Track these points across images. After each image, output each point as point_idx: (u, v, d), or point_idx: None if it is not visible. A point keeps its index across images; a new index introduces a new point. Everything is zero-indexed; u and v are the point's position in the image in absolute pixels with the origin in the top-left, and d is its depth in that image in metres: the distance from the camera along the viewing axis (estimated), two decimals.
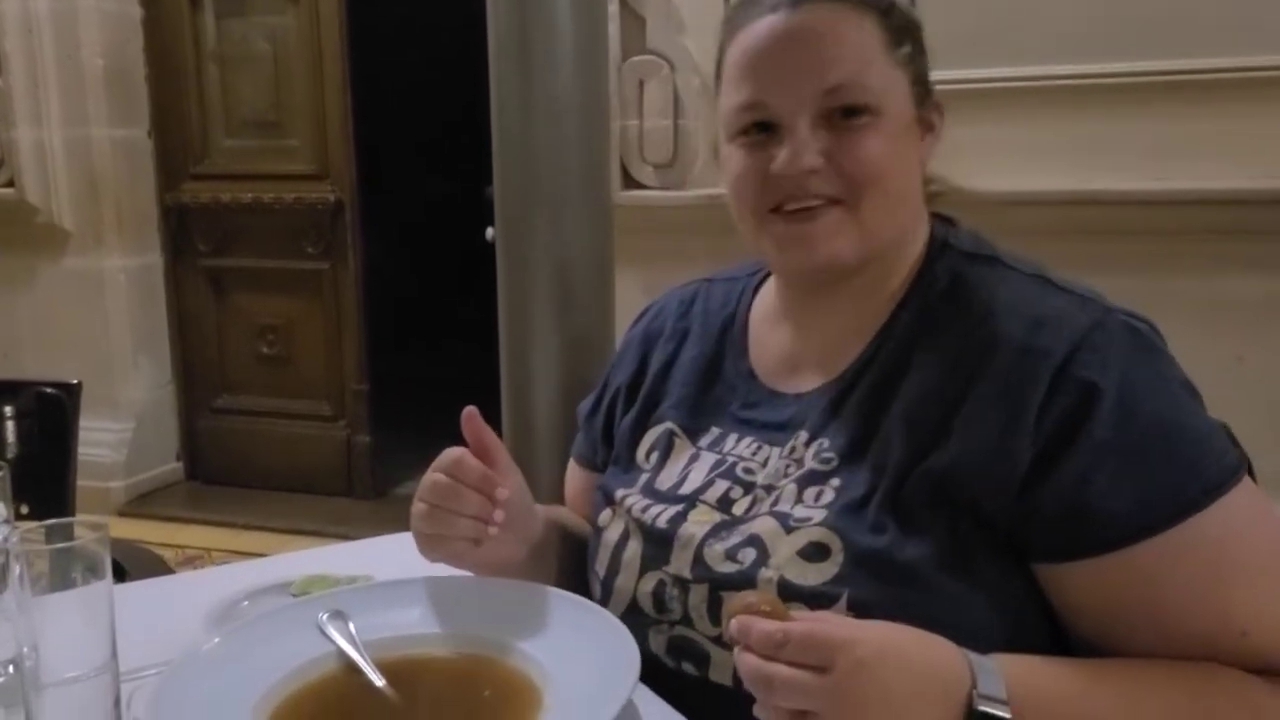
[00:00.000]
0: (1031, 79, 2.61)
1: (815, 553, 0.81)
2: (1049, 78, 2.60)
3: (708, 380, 1.00)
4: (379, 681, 0.82)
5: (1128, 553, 0.76)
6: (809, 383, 0.93)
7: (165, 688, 0.77)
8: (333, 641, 0.85)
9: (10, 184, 3.73)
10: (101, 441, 3.75)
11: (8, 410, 1.37)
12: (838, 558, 0.80)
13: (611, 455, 1.06)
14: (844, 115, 0.86)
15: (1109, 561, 0.77)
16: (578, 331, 1.58)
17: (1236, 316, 2.54)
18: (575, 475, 1.15)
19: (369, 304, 3.92)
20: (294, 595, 1.03)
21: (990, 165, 2.50)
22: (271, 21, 3.78)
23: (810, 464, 0.87)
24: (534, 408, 1.60)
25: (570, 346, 1.57)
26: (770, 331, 1.00)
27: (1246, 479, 0.79)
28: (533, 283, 1.61)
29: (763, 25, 0.88)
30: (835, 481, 0.85)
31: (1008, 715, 0.68)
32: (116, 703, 0.79)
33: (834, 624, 0.70)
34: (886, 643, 0.69)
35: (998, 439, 0.79)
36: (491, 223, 3.40)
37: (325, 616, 0.87)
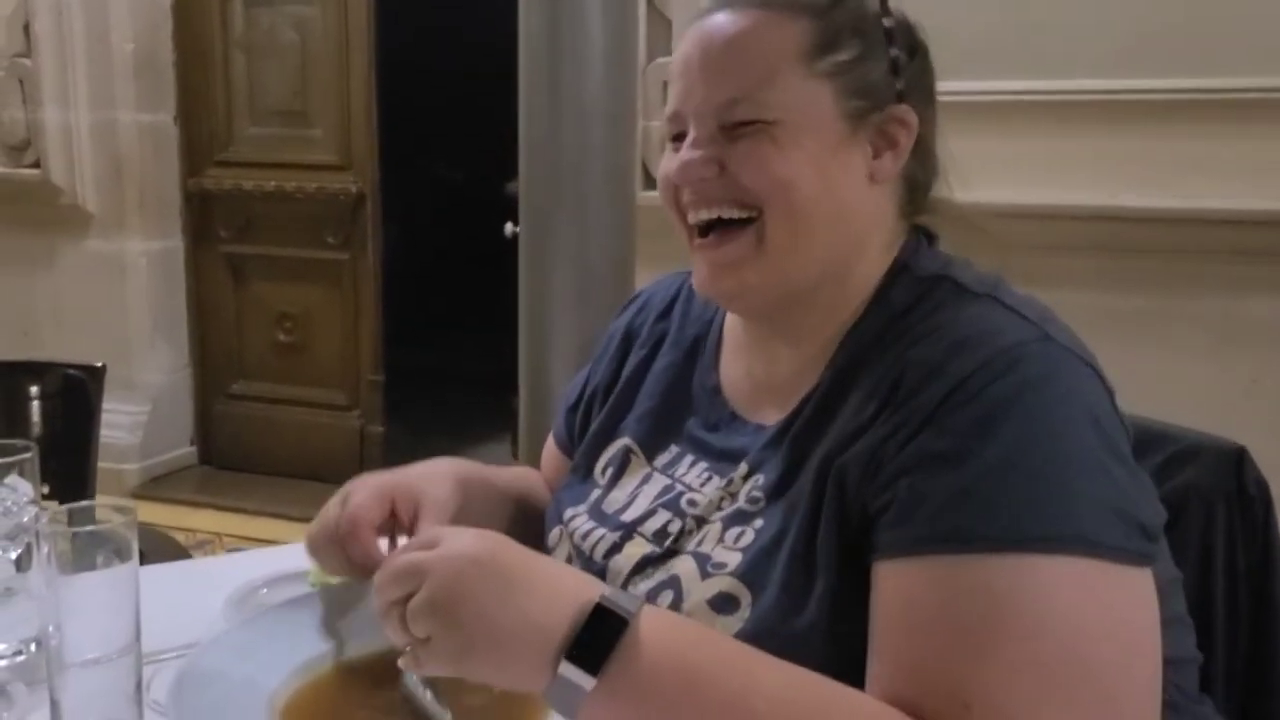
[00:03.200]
0: (1058, 93, 2.60)
1: (724, 604, 0.79)
2: (1076, 92, 2.59)
3: (674, 393, 0.99)
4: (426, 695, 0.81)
5: (903, 564, 0.71)
6: (767, 415, 0.89)
7: (185, 674, 0.78)
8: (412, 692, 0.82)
9: (36, 164, 3.76)
10: (117, 424, 3.78)
11: (33, 391, 1.38)
12: (744, 613, 0.78)
13: (574, 460, 1.05)
14: (741, 126, 0.82)
15: (888, 569, 0.72)
16: (596, 330, 1.59)
17: (1252, 339, 2.53)
18: (552, 455, 1.15)
19: (387, 295, 3.94)
20: (311, 584, 1.04)
21: (1013, 179, 2.49)
22: (299, 11, 3.79)
23: (740, 502, 0.85)
24: (551, 404, 1.61)
25: (588, 345, 1.58)
26: (739, 351, 0.96)
27: (1107, 570, 0.68)
28: (553, 280, 1.62)
29: (697, 27, 0.86)
30: (758, 523, 0.83)
31: (586, 685, 0.65)
32: (139, 685, 0.80)
33: (429, 541, 0.71)
34: (480, 552, 0.69)
35: (879, 447, 0.75)
36: (511, 218, 3.42)
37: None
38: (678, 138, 0.87)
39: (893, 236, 0.87)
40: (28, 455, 0.94)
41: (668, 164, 0.87)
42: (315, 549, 0.91)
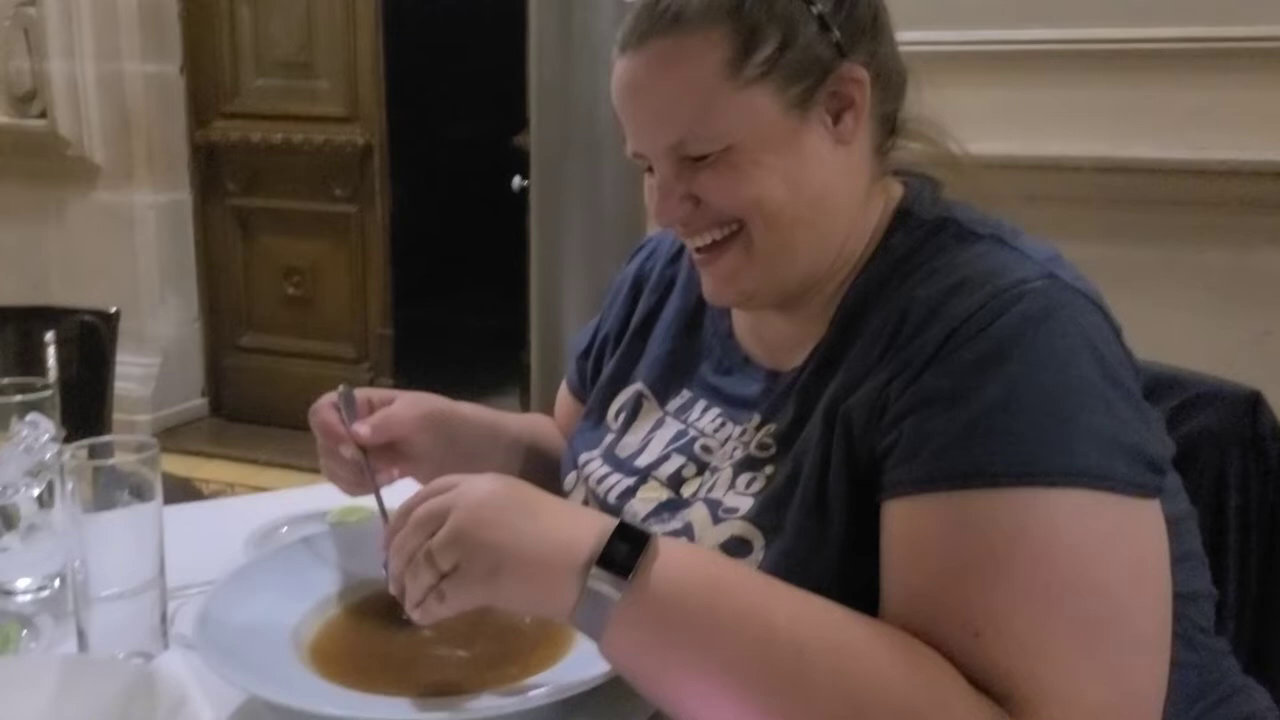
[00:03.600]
0: (1064, 42, 2.57)
1: (737, 547, 0.80)
2: (1082, 41, 2.56)
3: (686, 337, 0.99)
4: None
5: (911, 502, 0.71)
6: (779, 360, 0.90)
7: (210, 607, 0.79)
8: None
9: (43, 115, 3.75)
10: (129, 375, 3.79)
11: (48, 337, 1.39)
12: (757, 556, 0.79)
13: (587, 404, 1.06)
14: (695, 159, 0.81)
15: (895, 507, 0.72)
16: (608, 280, 1.59)
17: (1263, 291, 2.51)
18: (565, 401, 1.15)
19: (395, 249, 3.93)
20: (330, 523, 1.05)
21: (1019, 130, 2.47)
22: None
23: (751, 449, 0.86)
24: (563, 354, 1.61)
25: (600, 294, 1.58)
26: None
27: (1113, 502, 0.68)
28: (565, 230, 1.62)
29: (617, 70, 0.84)
30: (769, 469, 0.83)
31: (616, 593, 0.66)
32: (163, 619, 0.82)
33: (443, 485, 0.73)
34: (499, 485, 0.72)
35: (883, 389, 0.75)
36: (519, 171, 3.41)
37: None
38: (651, 166, 0.86)
39: (877, 175, 0.86)
40: (48, 393, 0.95)
41: (650, 198, 0.86)
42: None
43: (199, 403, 4.14)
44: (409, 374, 3.99)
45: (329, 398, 0.98)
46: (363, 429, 0.94)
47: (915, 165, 0.90)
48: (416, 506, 0.73)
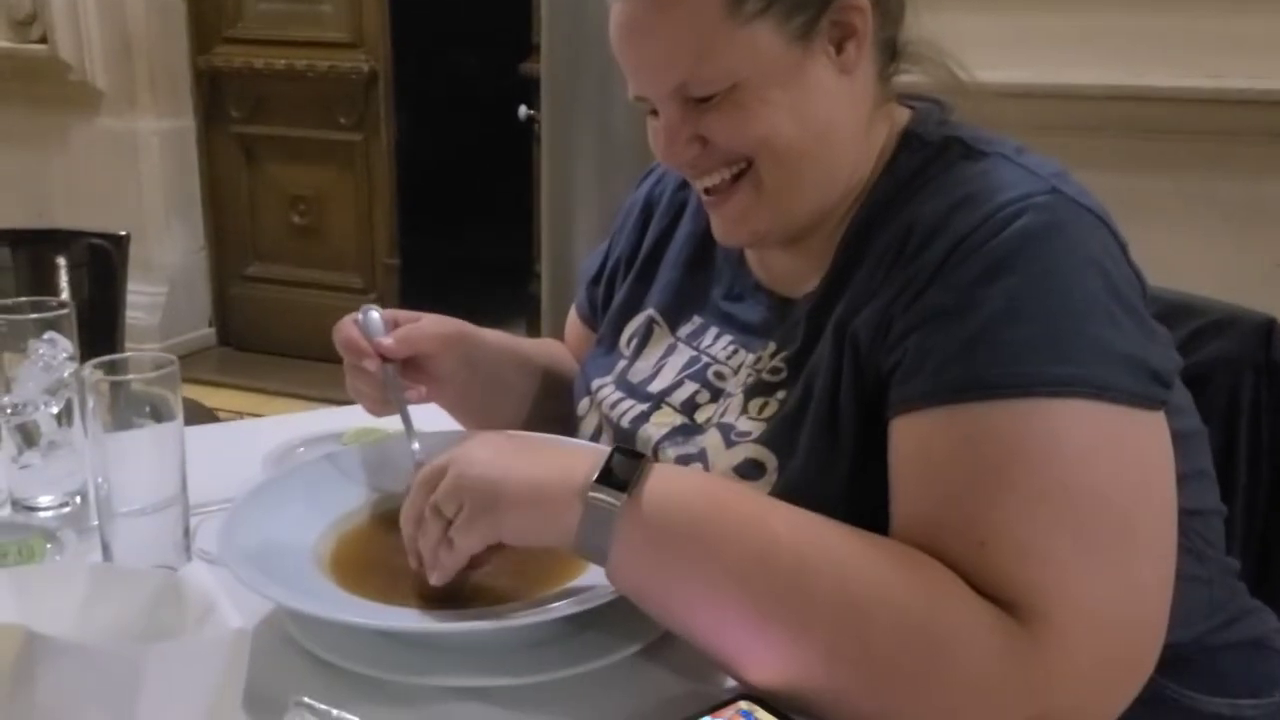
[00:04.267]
0: None
1: (750, 470, 0.81)
2: None
3: (697, 263, 0.99)
4: None
5: (916, 418, 0.71)
6: (790, 287, 0.90)
7: (233, 519, 0.80)
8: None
9: (43, 40, 3.70)
10: (136, 304, 3.78)
11: (61, 261, 1.39)
12: (770, 478, 0.80)
13: (599, 331, 1.06)
14: (700, 100, 0.80)
15: (900, 424, 0.73)
16: (619, 206, 1.58)
17: (1278, 222, 2.50)
18: (575, 327, 1.16)
19: (400, 178, 3.90)
20: (344, 444, 1.06)
21: (1034, 58, 2.44)
22: None
23: (764, 374, 0.86)
24: (574, 281, 1.61)
25: (611, 221, 1.58)
26: None
27: (1117, 413, 0.68)
28: (576, 154, 1.61)
29: (614, 13, 0.82)
30: (780, 393, 0.84)
31: (617, 504, 0.67)
32: (186, 534, 0.83)
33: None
34: (495, 435, 0.77)
35: (887, 308, 0.75)
36: (525, 99, 3.36)
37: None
38: (653, 109, 0.85)
39: (881, 102, 0.86)
40: (65, 312, 0.95)
41: (655, 140, 0.85)
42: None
43: (206, 332, 4.15)
44: (415, 305, 3.92)
45: (351, 315, 0.98)
46: (387, 341, 0.95)
47: (924, 91, 0.89)
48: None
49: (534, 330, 2.74)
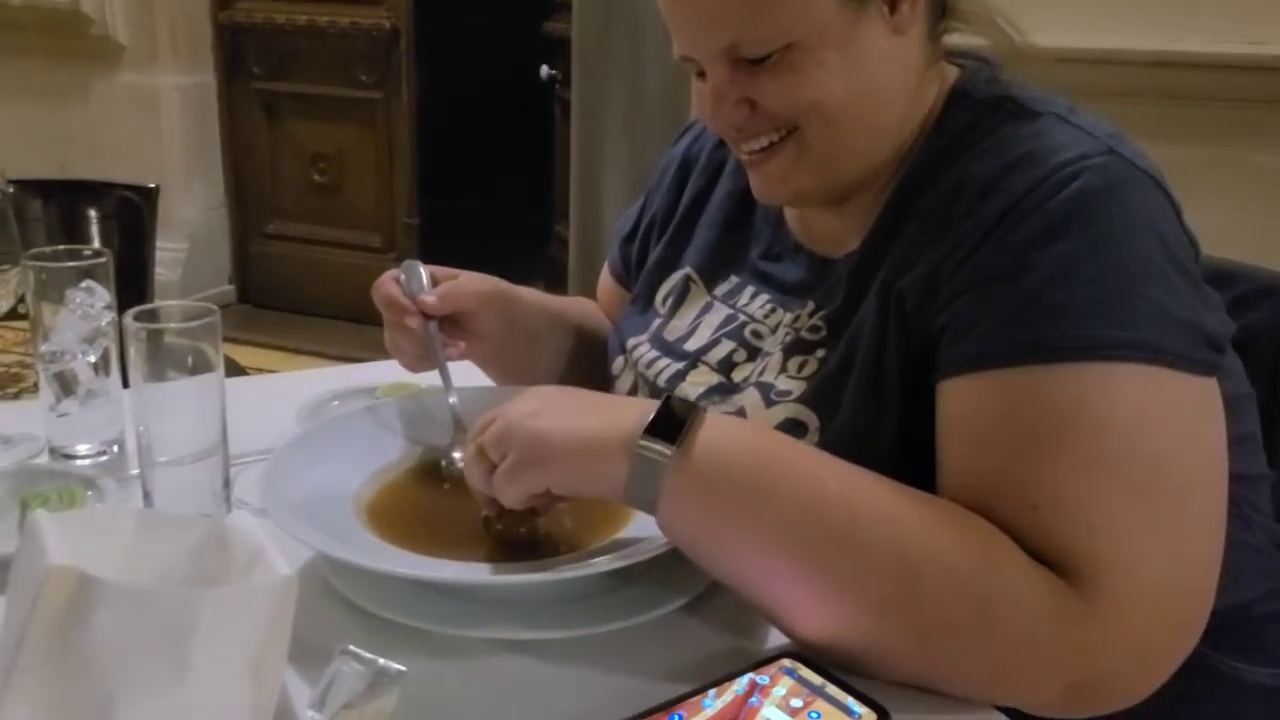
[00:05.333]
0: None
1: (791, 429, 0.80)
2: None
3: (735, 222, 0.98)
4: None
5: (967, 380, 0.70)
6: (830, 247, 0.89)
7: (274, 470, 0.80)
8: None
9: None
10: (157, 260, 3.79)
11: (92, 213, 1.39)
12: (812, 438, 0.79)
13: (634, 289, 1.06)
14: (752, 62, 0.78)
15: (951, 386, 0.72)
16: (649, 164, 1.57)
17: None
18: (607, 286, 1.15)
19: (422, 136, 3.89)
20: (378, 397, 1.06)
21: (1070, 21, 2.39)
22: None
23: (802, 332, 0.85)
24: (602, 239, 1.60)
25: (640, 178, 1.56)
26: None
27: (1172, 377, 0.67)
28: (606, 114, 1.59)
29: None
30: (820, 352, 0.83)
31: (666, 456, 0.66)
32: (226, 483, 0.83)
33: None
34: (546, 389, 0.75)
35: (936, 268, 0.74)
36: (548, 59, 3.32)
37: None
38: (702, 70, 0.83)
39: (929, 64, 0.84)
40: (102, 261, 0.95)
41: (701, 103, 0.84)
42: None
43: (226, 289, 4.15)
44: (435, 263, 3.97)
45: (390, 273, 0.97)
46: (429, 298, 0.94)
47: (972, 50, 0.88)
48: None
49: (552, 290, 2.74)
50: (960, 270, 0.73)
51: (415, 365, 0.97)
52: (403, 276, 0.96)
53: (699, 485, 0.67)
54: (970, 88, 0.83)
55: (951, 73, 0.86)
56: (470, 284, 0.98)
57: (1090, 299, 0.68)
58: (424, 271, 0.97)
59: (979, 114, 0.80)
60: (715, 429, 0.68)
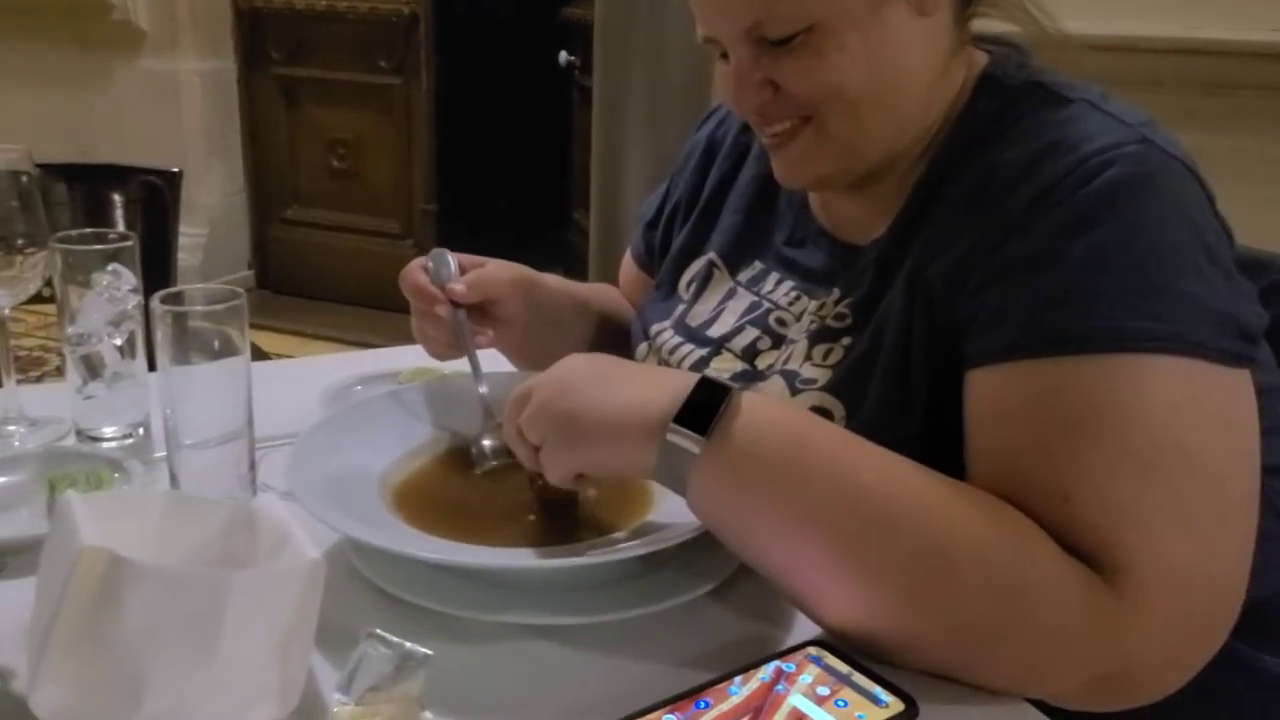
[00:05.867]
0: None
1: None
2: None
3: (759, 207, 0.97)
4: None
5: (997, 370, 0.70)
6: (854, 234, 0.88)
7: (300, 453, 0.80)
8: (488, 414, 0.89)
9: None
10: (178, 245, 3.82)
11: (116, 197, 1.39)
12: (839, 426, 0.78)
13: (658, 275, 1.05)
14: (774, 43, 0.77)
15: (979, 376, 0.71)
16: (671, 149, 1.56)
17: None
18: (630, 272, 1.15)
19: (440, 123, 3.89)
20: (402, 383, 1.06)
21: (1087, 6, 2.37)
22: None
23: (828, 320, 0.85)
24: (623, 224, 1.60)
25: (662, 164, 1.56)
26: None
27: (1205, 369, 0.66)
28: (628, 101, 1.58)
29: None
30: (845, 340, 0.83)
31: (695, 448, 0.66)
32: (252, 466, 0.83)
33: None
34: (580, 359, 0.74)
35: (965, 257, 0.74)
36: (566, 44, 3.30)
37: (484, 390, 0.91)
38: (725, 52, 0.82)
39: (958, 47, 0.83)
40: (129, 244, 0.95)
41: (724, 85, 0.83)
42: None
43: (245, 274, 4.17)
44: (452, 250, 3.97)
45: (418, 261, 0.97)
46: (459, 286, 0.95)
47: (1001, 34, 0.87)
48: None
49: (571, 277, 2.74)
50: (989, 259, 0.72)
51: (443, 353, 0.97)
52: (430, 265, 0.96)
53: (730, 470, 0.66)
54: (1000, 73, 0.82)
55: (980, 58, 0.85)
56: (498, 271, 0.98)
57: (1122, 290, 0.67)
58: (451, 259, 0.97)
59: (1009, 100, 0.79)
60: (751, 412, 0.67)
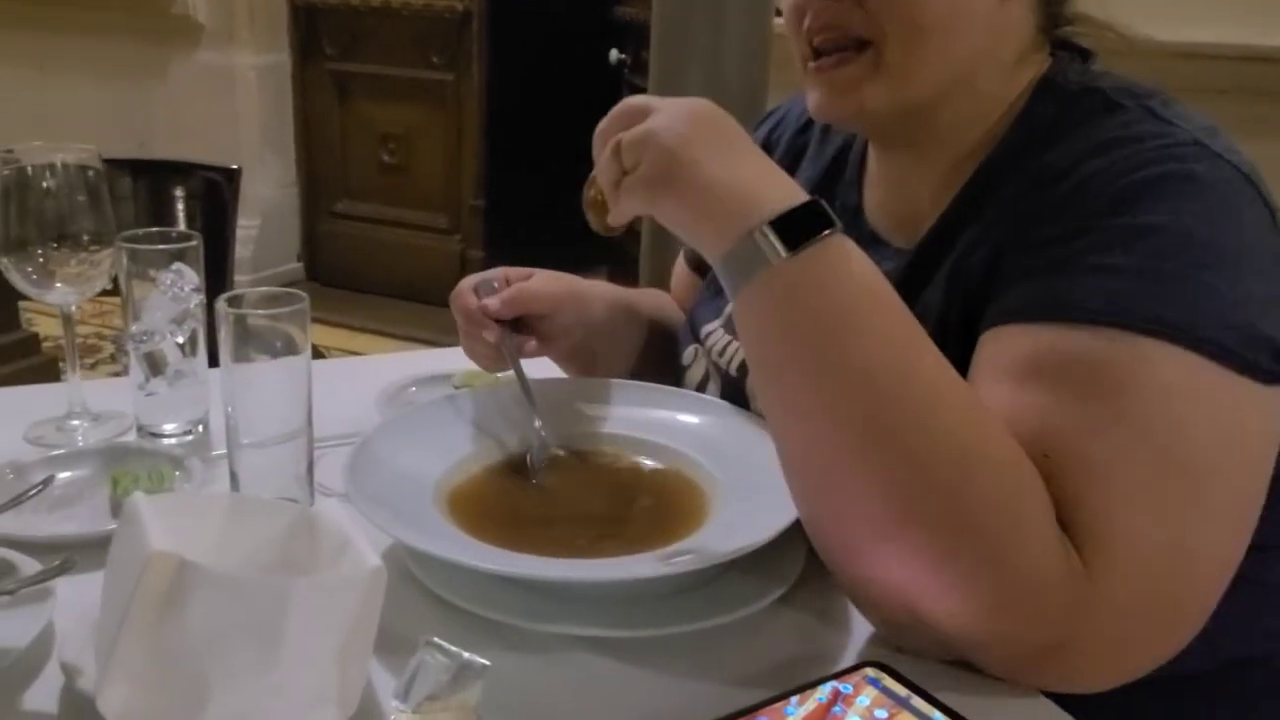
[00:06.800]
0: None
1: None
2: None
3: None
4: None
5: (1002, 330, 0.69)
6: (907, 238, 0.86)
7: (357, 459, 0.80)
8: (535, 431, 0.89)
9: None
10: None
11: (178, 193, 1.41)
12: None
13: (707, 276, 1.04)
14: None
15: (987, 337, 0.70)
16: None
17: None
18: (682, 275, 1.14)
19: (491, 119, 3.91)
20: (455, 387, 1.07)
21: (1153, 11, 2.33)
22: None
23: None
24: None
25: None
26: (875, 181, 0.93)
27: (1220, 374, 0.64)
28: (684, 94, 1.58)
29: None
30: None
31: (777, 256, 0.64)
32: (309, 468, 0.84)
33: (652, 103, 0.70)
34: (707, 109, 0.69)
35: (999, 243, 0.73)
36: (617, 42, 3.30)
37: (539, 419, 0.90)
38: None
39: (1030, 51, 0.82)
40: (193, 243, 0.96)
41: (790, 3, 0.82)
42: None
43: (294, 266, 4.22)
44: (499, 247, 4.00)
45: (469, 281, 0.97)
46: (493, 303, 0.95)
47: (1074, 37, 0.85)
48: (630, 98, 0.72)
49: (620, 277, 2.74)
50: (1020, 243, 0.71)
51: (493, 368, 0.98)
52: (479, 285, 0.97)
53: (792, 293, 0.65)
54: (1059, 78, 0.81)
55: (1046, 62, 0.83)
56: (542, 285, 0.98)
57: (1137, 270, 0.65)
58: (496, 283, 0.97)
59: (1065, 105, 0.78)
60: (839, 254, 0.65)
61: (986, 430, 0.64)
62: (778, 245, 0.64)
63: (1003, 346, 0.69)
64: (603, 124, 0.72)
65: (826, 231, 0.65)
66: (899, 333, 0.66)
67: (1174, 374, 0.64)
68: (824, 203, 0.66)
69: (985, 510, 0.62)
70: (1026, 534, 0.62)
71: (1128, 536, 0.63)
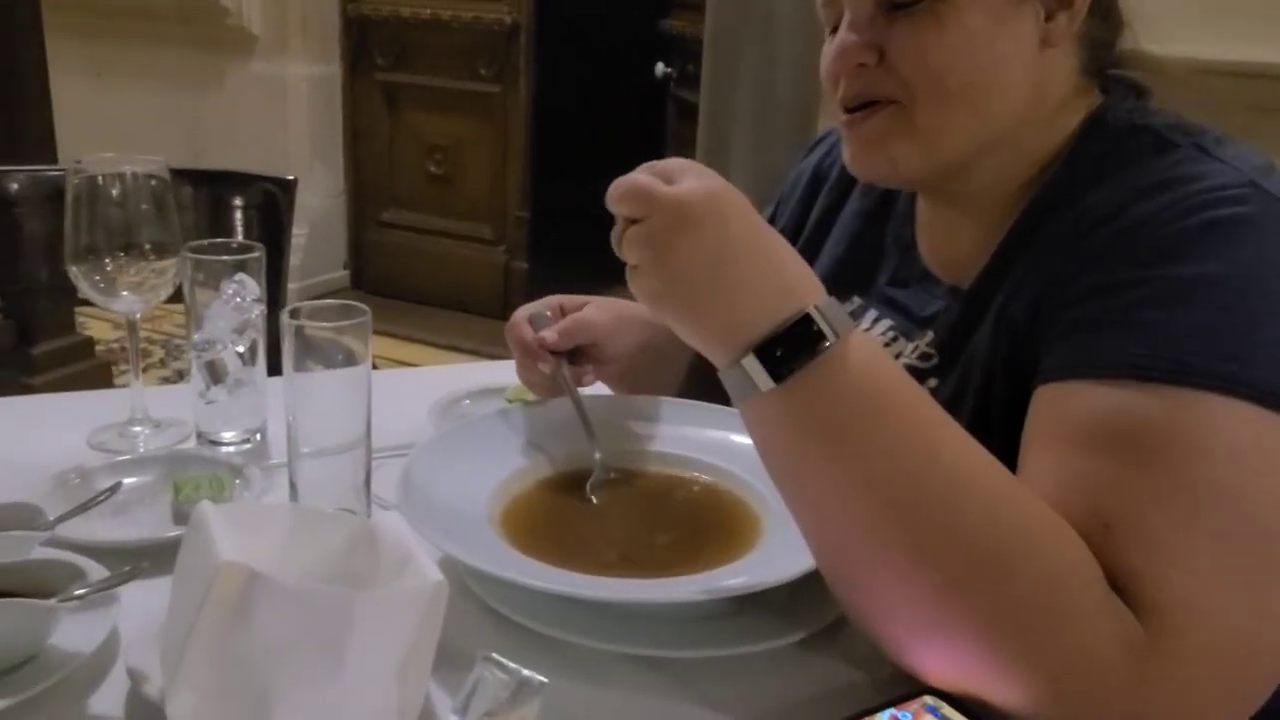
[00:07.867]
0: None
1: None
2: None
3: (864, 242, 0.95)
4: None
5: (1058, 387, 0.67)
6: (958, 277, 0.85)
7: (411, 472, 0.81)
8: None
9: None
10: None
11: (237, 202, 1.43)
12: None
13: None
14: (900, 4, 0.75)
15: (1042, 392, 0.68)
16: (773, 173, 1.56)
17: None
18: None
19: (536, 131, 3.93)
20: (508, 400, 1.07)
21: (1211, 29, 2.30)
22: None
23: (913, 359, 0.83)
24: None
25: (765, 184, 1.55)
26: (924, 225, 0.92)
27: (1278, 424, 0.62)
28: (735, 117, 1.58)
29: None
30: (932, 381, 0.81)
31: (763, 386, 0.62)
32: (367, 479, 0.85)
33: (671, 174, 0.67)
34: (711, 206, 0.64)
35: (1048, 288, 0.72)
36: (664, 56, 3.31)
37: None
38: (836, 27, 0.81)
39: (1075, 94, 0.81)
40: (256, 254, 0.98)
41: (828, 49, 0.81)
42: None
43: (341, 274, 4.27)
44: (543, 259, 4.02)
45: (523, 313, 0.98)
46: (550, 335, 0.95)
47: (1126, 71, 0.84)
48: (637, 175, 0.68)
49: None
50: (1066, 289, 0.70)
51: (550, 397, 0.98)
52: (534, 317, 0.97)
53: (791, 416, 0.63)
54: (1109, 115, 0.80)
55: (1097, 99, 0.83)
56: (596, 314, 0.98)
57: (1199, 324, 0.64)
58: (550, 313, 0.98)
59: (1113, 144, 0.77)
60: (835, 370, 0.63)
61: (1021, 513, 0.62)
62: (764, 375, 0.63)
63: (1058, 408, 0.67)
64: (612, 194, 0.68)
65: (826, 343, 0.62)
66: (909, 434, 0.63)
67: (1241, 432, 0.62)
68: (821, 310, 0.63)
69: (1023, 603, 0.60)
70: (1072, 620, 0.60)
71: (1195, 608, 0.60)
